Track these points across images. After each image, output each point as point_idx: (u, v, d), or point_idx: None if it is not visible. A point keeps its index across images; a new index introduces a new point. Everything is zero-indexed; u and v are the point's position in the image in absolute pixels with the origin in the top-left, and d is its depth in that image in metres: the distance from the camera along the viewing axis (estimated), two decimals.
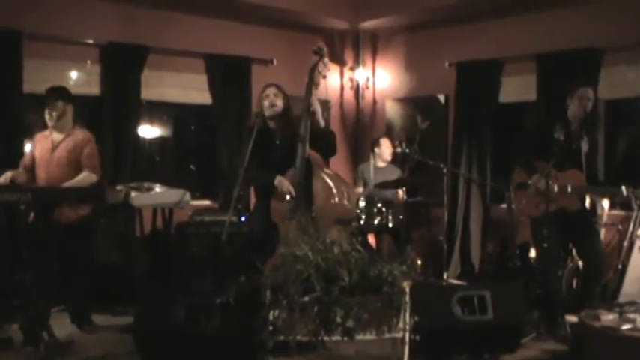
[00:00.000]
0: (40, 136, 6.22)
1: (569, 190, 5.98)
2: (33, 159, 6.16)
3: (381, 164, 8.43)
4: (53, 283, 5.94)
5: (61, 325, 6.00)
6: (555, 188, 6.00)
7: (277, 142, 5.68)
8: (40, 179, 6.07)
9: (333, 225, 5.15)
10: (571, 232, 6.13)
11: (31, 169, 6.13)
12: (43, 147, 6.11)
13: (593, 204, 7.21)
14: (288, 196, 5.34)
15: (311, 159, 5.39)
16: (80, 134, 6.16)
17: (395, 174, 8.34)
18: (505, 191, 6.66)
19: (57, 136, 6.09)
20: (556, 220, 6.00)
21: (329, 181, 5.37)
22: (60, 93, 6.08)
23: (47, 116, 6.04)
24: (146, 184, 6.82)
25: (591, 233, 6.27)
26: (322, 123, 5.48)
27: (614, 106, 7.80)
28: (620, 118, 7.91)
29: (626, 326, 4.97)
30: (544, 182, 5.95)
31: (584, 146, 6.04)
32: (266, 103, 5.62)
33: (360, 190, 8.21)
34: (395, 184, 8.07)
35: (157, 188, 6.83)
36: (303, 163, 5.35)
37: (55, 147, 6.06)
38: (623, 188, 5.93)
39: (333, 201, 5.30)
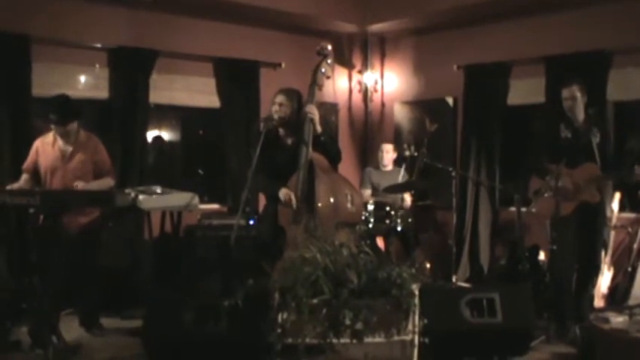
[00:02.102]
0: (42, 143, 6.15)
1: (579, 182, 6.04)
2: (35, 164, 6.12)
3: (387, 167, 8.42)
4: (62, 286, 5.94)
5: (70, 329, 6.02)
6: (570, 185, 6.03)
7: (286, 146, 5.68)
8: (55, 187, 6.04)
9: (337, 228, 5.13)
10: (585, 229, 6.13)
11: (34, 173, 6.12)
12: (51, 156, 6.06)
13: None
14: (294, 202, 5.34)
15: (314, 162, 5.38)
16: (87, 140, 6.16)
17: (402, 177, 8.32)
18: (514, 194, 6.67)
19: (65, 146, 6.06)
20: (579, 218, 6.04)
21: (331, 183, 5.36)
22: (64, 113, 5.94)
23: (57, 134, 6.01)
24: (154, 188, 6.83)
25: (599, 231, 6.29)
26: (319, 129, 5.47)
27: (623, 108, 7.77)
28: (629, 121, 7.88)
29: (636, 329, 4.95)
30: (554, 181, 5.97)
31: (595, 139, 6.03)
32: (273, 110, 5.64)
33: (368, 192, 8.19)
34: (403, 188, 8.06)
35: (166, 191, 6.83)
36: (306, 166, 5.35)
37: (67, 158, 6.04)
38: (636, 167, 5.90)
39: (335, 204, 5.29)
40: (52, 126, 5.97)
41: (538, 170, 6.31)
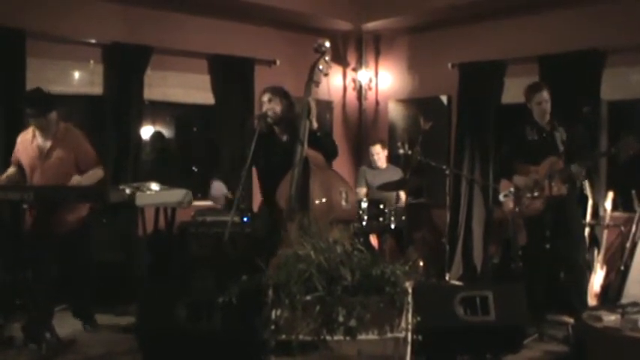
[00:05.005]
0: (23, 139, 6.08)
1: (538, 177, 6.25)
2: (18, 159, 6.08)
3: (381, 166, 8.42)
4: (55, 282, 5.93)
5: (64, 324, 6.01)
6: (530, 182, 6.28)
7: (281, 143, 5.68)
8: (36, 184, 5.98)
9: (331, 225, 5.12)
10: (557, 225, 6.19)
11: (20, 166, 6.07)
12: (30, 153, 5.98)
13: (595, 206, 7.25)
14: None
15: (309, 159, 5.36)
16: (66, 134, 6.02)
17: (396, 175, 8.33)
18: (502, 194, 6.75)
19: (43, 142, 5.95)
20: (551, 214, 6.13)
21: (326, 181, 5.35)
22: (41, 106, 5.85)
23: (36, 128, 5.94)
24: (148, 184, 6.81)
25: (572, 225, 6.39)
26: (315, 124, 5.46)
27: (616, 107, 7.79)
28: (623, 120, 7.90)
29: (628, 327, 4.97)
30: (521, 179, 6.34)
31: (560, 135, 6.22)
32: (264, 109, 5.65)
33: (363, 191, 8.20)
34: (397, 186, 8.07)
35: (160, 188, 6.82)
36: (301, 163, 5.34)
37: (45, 155, 5.94)
38: (572, 166, 6.07)
39: (329, 201, 5.28)
40: (31, 120, 5.90)
41: (507, 174, 6.56)
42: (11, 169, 6.08)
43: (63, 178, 5.86)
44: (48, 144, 5.95)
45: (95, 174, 6.06)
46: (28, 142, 6.02)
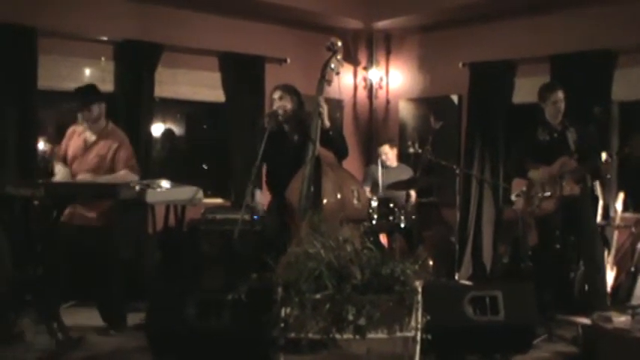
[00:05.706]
0: (73, 131, 6.14)
1: (549, 177, 6.26)
2: (66, 152, 6.11)
3: (391, 165, 8.41)
4: (67, 278, 5.93)
5: (73, 321, 6.01)
6: (540, 183, 6.31)
7: (292, 142, 5.68)
8: (73, 178, 6.02)
9: (342, 224, 5.11)
10: (571, 225, 6.19)
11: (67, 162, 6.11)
12: (76, 145, 6.04)
13: (606, 206, 7.22)
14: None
15: (321, 157, 5.35)
16: (113, 137, 6.07)
17: (406, 173, 8.32)
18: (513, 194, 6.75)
19: (90, 136, 6.02)
20: (563, 214, 6.11)
21: (338, 179, 5.34)
22: (92, 95, 5.98)
23: (81, 118, 6.02)
24: (159, 181, 6.82)
25: (586, 225, 6.40)
26: (327, 123, 5.45)
27: (627, 108, 7.77)
28: (635, 121, 7.87)
29: (638, 329, 4.96)
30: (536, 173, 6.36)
31: (571, 135, 6.23)
32: (275, 106, 5.65)
33: (367, 190, 8.18)
34: (407, 185, 8.06)
35: (170, 185, 6.82)
36: (313, 161, 5.33)
37: (87, 148, 6.00)
38: (604, 154, 6.12)
39: (341, 200, 5.27)
40: (79, 114, 6.01)
41: (520, 172, 6.58)
42: (59, 168, 6.09)
43: (96, 174, 5.93)
44: (93, 138, 6.04)
45: (122, 176, 6.00)
46: (77, 133, 6.10)
